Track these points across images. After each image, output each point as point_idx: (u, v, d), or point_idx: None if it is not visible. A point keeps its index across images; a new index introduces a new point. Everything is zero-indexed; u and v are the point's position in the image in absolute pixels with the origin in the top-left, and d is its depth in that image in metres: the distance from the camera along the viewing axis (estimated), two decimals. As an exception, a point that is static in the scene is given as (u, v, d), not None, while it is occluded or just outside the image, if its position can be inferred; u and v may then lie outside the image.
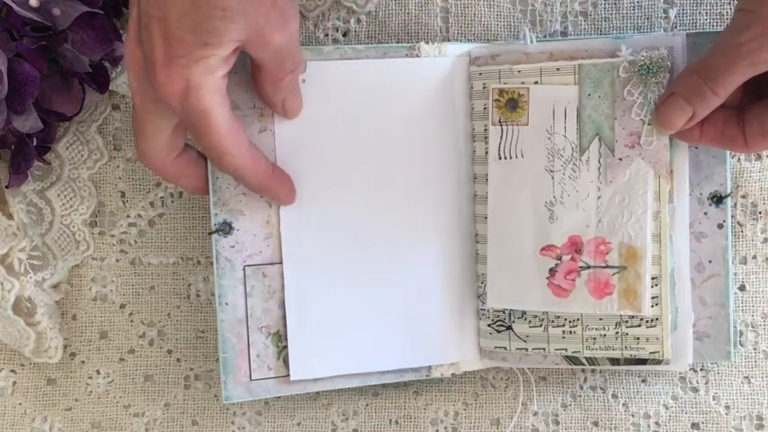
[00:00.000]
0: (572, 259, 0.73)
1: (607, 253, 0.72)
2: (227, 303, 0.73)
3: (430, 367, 0.77)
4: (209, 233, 0.73)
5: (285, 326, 0.74)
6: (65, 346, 0.80)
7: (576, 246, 0.73)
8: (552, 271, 0.73)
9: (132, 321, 0.81)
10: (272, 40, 0.62)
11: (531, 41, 0.74)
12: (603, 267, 0.72)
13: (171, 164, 0.69)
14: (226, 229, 0.73)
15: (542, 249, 0.74)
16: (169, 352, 0.81)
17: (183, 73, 0.60)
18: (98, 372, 0.81)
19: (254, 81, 0.69)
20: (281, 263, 0.74)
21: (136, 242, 0.80)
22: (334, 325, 0.74)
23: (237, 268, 0.73)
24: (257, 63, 0.66)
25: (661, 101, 0.69)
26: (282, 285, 0.74)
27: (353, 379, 0.76)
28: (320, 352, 0.74)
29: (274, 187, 0.71)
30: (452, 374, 0.77)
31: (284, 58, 0.65)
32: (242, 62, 0.69)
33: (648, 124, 0.70)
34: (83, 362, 0.81)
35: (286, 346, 0.74)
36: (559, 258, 0.73)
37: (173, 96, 0.61)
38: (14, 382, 0.81)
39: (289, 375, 0.74)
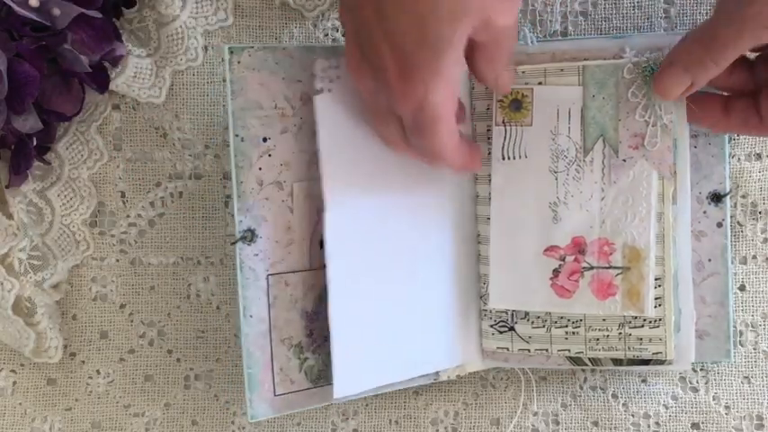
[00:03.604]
0: (575, 260, 0.73)
1: (610, 254, 0.72)
2: (251, 316, 0.71)
3: (437, 372, 0.76)
4: (233, 243, 0.71)
5: (306, 336, 0.73)
6: (65, 346, 0.80)
7: (579, 246, 0.73)
8: (555, 272, 0.73)
9: (132, 321, 0.80)
10: (497, 25, 0.59)
11: (532, 42, 0.74)
12: (607, 268, 0.72)
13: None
14: (249, 236, 0.70)
15: (546, 250, 0.74)
16: (169, 352, 0.81)
17: (421, 86, 0.59)
18: (98, 372, 0.81)
19: (468, 59, 0.64)
20: (302, 270, 0.73)
21: (136, 242, 0.80)
22: (370, 338, 0.72)
23: (261, 278, 0.71)
24: (475, 43, 0.62)
25: (660, 70, 0.69)
26: (304, 294, 0.73)
27: (370, 390, 0.74)
28: (360, 367, 0.72)
29: (468, 167, 0.71)
30: (457, 376, 0.77)
31: (505, 38, 0.63)
32: (266, 59, 0.70)
33: (653, 126, 0.70)
34: (83, 362, 0.81)
35: (307, 358, 0.73)
36: (563, 259, 0.73)
37: (408, 107, 0.61)
38: (14, 382, 0.80)
39: (310, 389, 0.73)
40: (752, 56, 0.70)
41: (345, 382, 0.71)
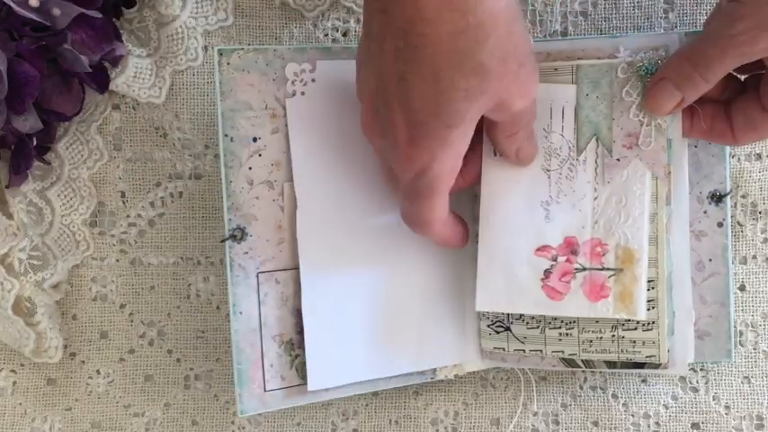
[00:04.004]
0: (567, 260, 0.72)
1: (603, 255, 0.72)
2: (241, 312, 0.71)
3: (435, 370, 0.76)
4: (222, 240, 0.72)
5: (297, 334, 0.73)
6: (65, 346, 0.80)
7: (571, 247, 0.72)
8: (547, 272, 0.72)
9: (132, 321, 0.81)
10: (513, 108, 0.62)
11: (529, 41, 0.74)
12: (599, 269, 0.72)
13: None
14: (239, 234, 0.71)
15: (537, 250, 0.73)
16: (169, 352, 0.81)
17: (427, 154, 0.61)
18: (98, 372, 0.81)
19: (488, 132, 0.68)
20: (293, 269, 0.73)
21: (136, 242, 0.80)
22: (347, 332, 0.73)
23: (251, 275, 0.72)
24: (493, 120, 0.65)
25: (651, 85, 0.69)
26: (295, 292, 0.73)
27: (363, 385, 0.75)
28: (335, 360, 0.73)
29: (450, 243, 0.72)
30: (455, 375, 0.77)
31: (522, 118, 0.65)
32: (257, 60, 0.70)
33: (647, 125, 0.70)
34: (83, 362, 0.81)
35: (298, 355, 0.73)
36: (555, 259, 0.72)
37: (410, 171, 0.63)
38: (14, 382, 0.81)
39: (301, 385, 0.73)
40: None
41: (319, 374, 0.72)
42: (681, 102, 0.68)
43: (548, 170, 0.72)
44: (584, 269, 0.72)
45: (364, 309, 0.74)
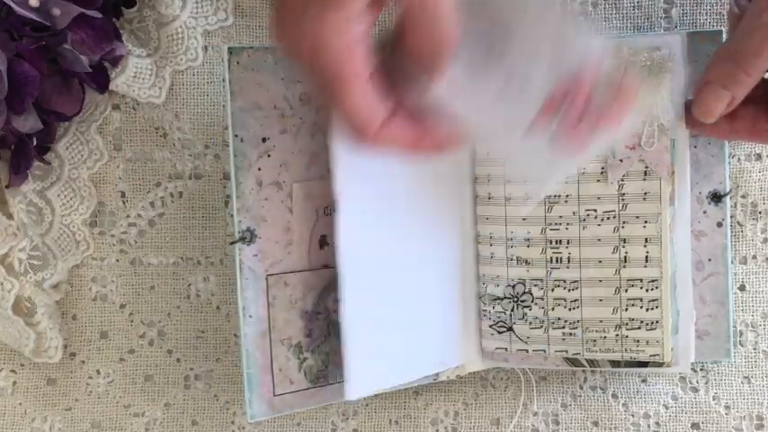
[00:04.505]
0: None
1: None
2: (250, 316, 0.71)
3: (438, 372, 0.76)
4: (232, 242, 0.71)
5: (306, 336, 0.73)
6: (65, 346, 0.80)
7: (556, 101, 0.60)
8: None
9: (132, 321, 0.80)
10: None
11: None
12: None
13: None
14: (248, 237, 0.70)
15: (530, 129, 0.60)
16: (169, 352, 0.81)
17: (314, 23, 0.52)
18: (98, 372, 0.81)
19: (406, 53, 0.55)
20: (301, 271, 0.72)
21: (136, 242, 0.80)
22: (381, 338, 0.71)
23: (260, 278, 0.71)
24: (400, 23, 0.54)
25: (697, 92, 0.68)
26: (303, 294, 0.72)
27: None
28: (371, 367, 0.71)
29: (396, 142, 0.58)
30: (457, 376, 0.77)
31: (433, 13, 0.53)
32: (266, 60, 0.70)
33: (650, 126, 0.70)
34: (83, 362, 0.81)
35: (306, 358, 0.73)
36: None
37: (305, 55, 0.53)
38: (14, 382, 0.81)
39: (309, 388, 0.73)
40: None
41: (358, 382, 0.70)
42: (731, 101, 0.67)
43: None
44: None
45: (396, 313, 0.72)
